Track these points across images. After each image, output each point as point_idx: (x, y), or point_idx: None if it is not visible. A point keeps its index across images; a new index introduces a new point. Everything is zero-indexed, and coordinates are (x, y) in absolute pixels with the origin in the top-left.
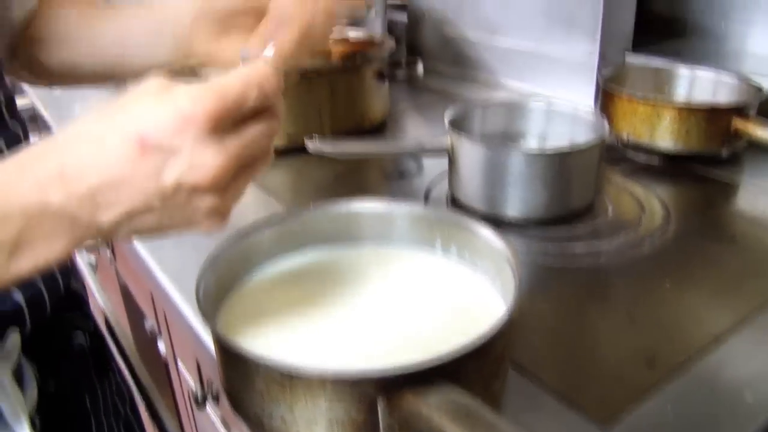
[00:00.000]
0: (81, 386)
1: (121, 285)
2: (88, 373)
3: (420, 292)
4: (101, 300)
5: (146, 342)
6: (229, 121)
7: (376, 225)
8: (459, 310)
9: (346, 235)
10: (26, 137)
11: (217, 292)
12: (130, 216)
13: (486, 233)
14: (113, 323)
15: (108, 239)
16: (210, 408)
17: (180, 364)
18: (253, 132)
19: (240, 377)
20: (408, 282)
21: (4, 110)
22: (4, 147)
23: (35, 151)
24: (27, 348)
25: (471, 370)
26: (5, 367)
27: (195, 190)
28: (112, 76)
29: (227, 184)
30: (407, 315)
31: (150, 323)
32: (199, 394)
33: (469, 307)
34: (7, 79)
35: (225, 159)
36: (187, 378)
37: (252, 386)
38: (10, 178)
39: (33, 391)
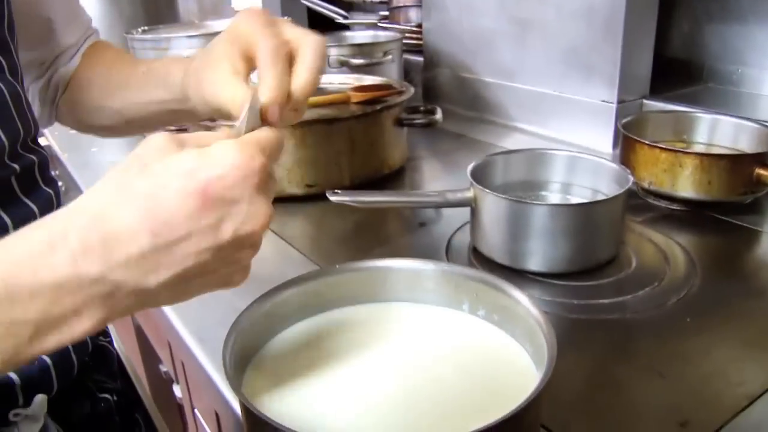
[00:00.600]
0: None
1: (135, 326)
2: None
3: (448, 354)
4: (116, 342)
5: (161, 382)
6: (269, 174)
7: (402, 284)
8: (489, 374)
9: (372, 294)
10: (59, 203)
11: (242, 355)
12: (181, 277)
13: (519, 297)
14: (130, 371)
15: (146, 307)
16: None
17: (197, 413)
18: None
19: None
20: (436, 344)
21: (37, 174)
22: (37, 212)
23: (65, 220)
24: (53, 410)
25: None
26: (32, 429)
27: (246, 242)
28: (145, 126)
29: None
30: (436, 379)
31: (165, 368)
32: None
33: (499, 371)
34: (49, 136)
35: (271, 210)
36: (204, 427)
37: None
38: (39, 249)
39: None
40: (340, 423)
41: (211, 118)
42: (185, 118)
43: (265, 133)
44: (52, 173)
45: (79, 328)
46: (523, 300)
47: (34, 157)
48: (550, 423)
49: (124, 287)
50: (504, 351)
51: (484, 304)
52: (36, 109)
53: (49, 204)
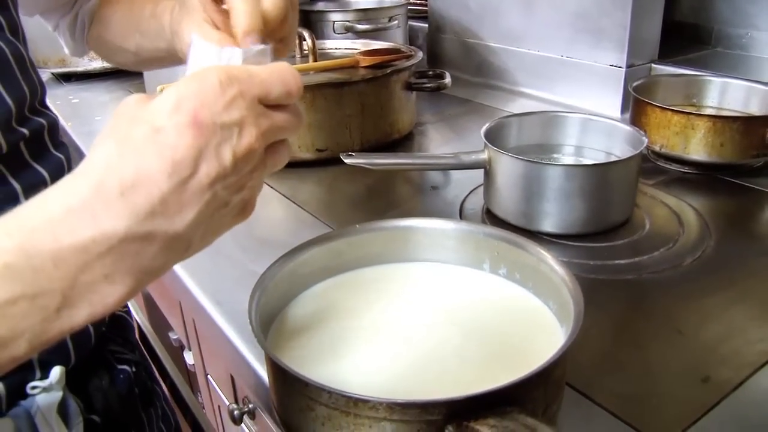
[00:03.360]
0: (127, 418)
1: (144, 295)
2: (134, 404)
3: (471, 312)
4: (135, 313)
5: (171, 351)
6: (256, 99)
7: (423, 243)
8: (513, 332)
9: (393, 254)
10: (69, 163)
11: (265, 315)
12: (204, 213)
13: (543, 254)
14: (147, 335)
15: (179, 259)
16: (244, 425)
17: (210, 378)
18: (278, 117)
19: (300, 404)
20: (459, 302)
21: (46, 137)
22: (48, 178)
23: (76, 182)
24: (71, 382)
25: (536, 395)
26: (50, 402)
27: (248, 159)
28: (161, 65)
29: (262, 159)
30: (459, 337)
31: (176, 335)
32: (236, 411)
33: (523, 328)
34: (51, 107)
35: (263, 121)
36: (219, 392)
37: (313, 413)
38: (57, 213)
39: (78, 425)
40: (366, 380)
41: None
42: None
43: (257, 69)
44: (62, 139)
45: (112, 295)
46: (546, 258)
47: (42, 121)
48: (574, 380)
49: (155, 239)
50: (527, 308)
51: (506, 262)
52: (68, 42)
53: (60, 169)
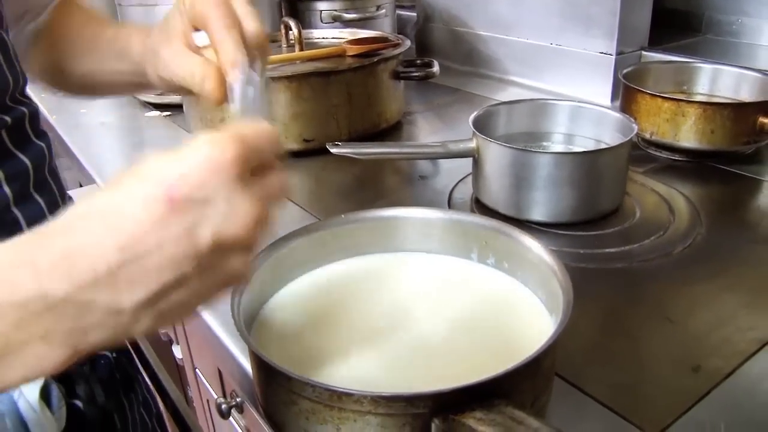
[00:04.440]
0: (109, 404)
1: None
2: (115, 390)
3: (459, 302)
4: None
5: (159, 345)
6: (249, 167)
7: (409, 233)
8: (501, 322)
9: (379, 244)
10: (50, 152)
11: (250, 308)
12: (159, 294)
13: (531, 244)
14: None
15: (123, 335)
16: (233, 418)
17: (199, 372)
18: (270, 181)
19: (283, 398)
20: (446, 292)
21: (27, 126)
22: (30, 165)
23: (32, 239)
24: None
25: (524, 386)
26: (33, 387)
27: (232, 245)
28: (111, 93)
29: (257, 236)
30: (447, 328)
31: (164, 330)
32: (224, 405)
33: (512, 318)
34: (32, 95)
35: (258, 206)
36: (207, 387)
37: (296, 407)
38: (2, 266)
39: (61, 410)
40: (351, 373)
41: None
42: (146, 90)
43: (243, 128)
44: (43, 128)
45: (48, 358)
46: (535, 246)
47: (24, 109)
48: (564, 371)
49: (96, 309)
50: (516, 298)
51: (494, 252)
52: None
53: (41, 157)
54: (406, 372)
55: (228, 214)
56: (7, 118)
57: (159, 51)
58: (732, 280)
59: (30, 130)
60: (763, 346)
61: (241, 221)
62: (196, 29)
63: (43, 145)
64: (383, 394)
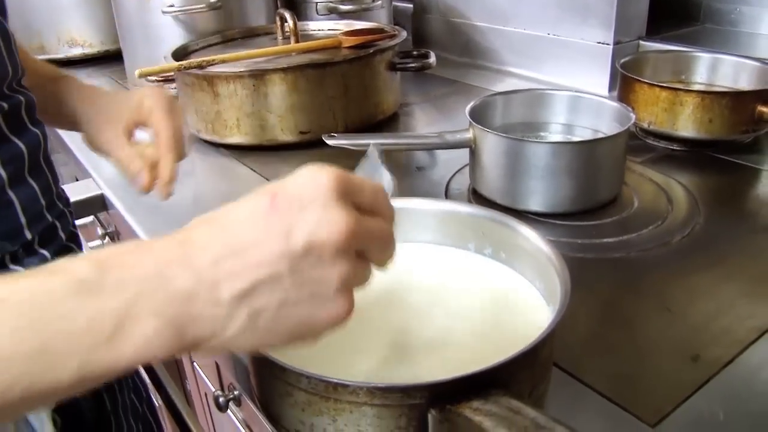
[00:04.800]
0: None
1: None
2: None
3: (457, 292)
4: None
5: None
6: (349, 196)
7: (406, 223)
8: (499, 312)
9: None
10: (45, 140)
11: None
12: (253, 288)
13: (528, 233)
14: None
15: (221, 332)
16: (231, 411)
17: (197, 366)
18: (372, 222)
19: (279, 390)
20: (444, 283)
21: (24, 114)
22: (25, 151)
23: (157, 240)
24: None
25: (521, 376)
26: None
27: (327, 252)
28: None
29: (354, 255)
30: (445, 318)
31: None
32: (221, 398)
33: (509, 308)
34: (32, 74)
35: (353, 221)
36: (205, 380)
37: (292, 399)
38: (130, 249)
39: None
40: (348, 364)
41: None
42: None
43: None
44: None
45: (157, 338)
46: (532, 236)
47: (21, 98)
48: (562, 361)
49: (198, 299)
50: (513, 288)
51: (491, 242)
52: None
53: (37, 143)
54: (402, 363)
55: (321, 221)
56: (5, 105)
57: (101, 125)
58: (731, 270)
59: (26, 117)
60: (762, 334)
61: (333, 229)
62: (139, 124)
63: (38, 132)
64: (379, 385)
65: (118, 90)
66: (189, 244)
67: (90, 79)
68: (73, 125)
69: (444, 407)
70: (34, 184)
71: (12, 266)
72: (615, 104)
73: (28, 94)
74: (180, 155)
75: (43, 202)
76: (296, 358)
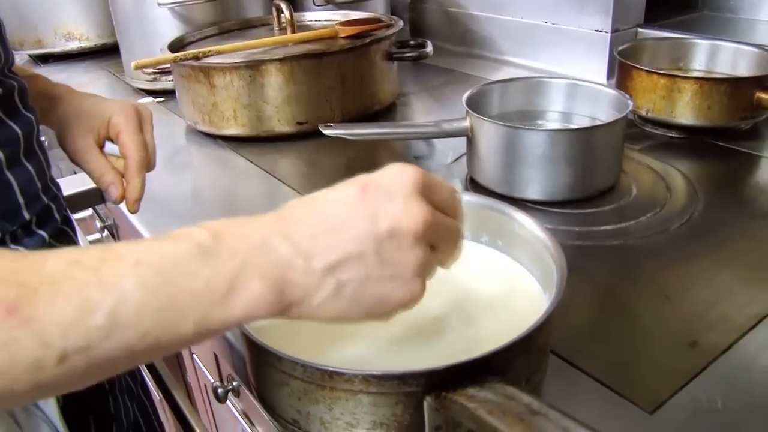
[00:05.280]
0: None
1: None
2: None
3: (454, 280)
4: None
5: None
6: (428, 192)
7: None
8: (495, 299)
9: None
10: (37, 125)
11: None
12: (342, 261)
13: (524, 221)
14: None
15: (311, 299)
16: (230, 402)
17: (196, 357)
18: (447, 220)
19: (275, 379)
20: (440, 270)
21: (17, 99)
22: (19, 132)
23: (267, 215)
24: None
25: (517, 363)
26: None
27: (407, 238)
28: None
29: (431, 242)
30: (442, 305)
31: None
32: (220, 389)
33: (506, 295)
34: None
35: (431, 214)
36: (204, 372)
37: (288, 388)
38: (243, 222)
39: None
40: (344, 354)
41: None
42: None
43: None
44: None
45: (262, 299)
46: (528, 223)
47: (13, 83)
48: (559, 348)
49: (296, 266)
50: (510, 276)
51: (487, 230)
52: None
53: (31, 127)
54: (399, 351)
55: (405, 210)
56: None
57: (73, 134)
58: (729, 256)
59: (19, 102)
60: (761, 320)
61: (415, 218)
62: (107, 139)
63: (31, 117)
64: (374, 372)
65: (92, 94)
66: (289, 220)
67: (88, 73)
68: (47, 125)
69: (440, 394)
70: (30, 167)
71: (12, 246)
72: (612, 92)
73: (20, 80)
74: (148, 169)
75: (38, 184)
76: (292, 348)
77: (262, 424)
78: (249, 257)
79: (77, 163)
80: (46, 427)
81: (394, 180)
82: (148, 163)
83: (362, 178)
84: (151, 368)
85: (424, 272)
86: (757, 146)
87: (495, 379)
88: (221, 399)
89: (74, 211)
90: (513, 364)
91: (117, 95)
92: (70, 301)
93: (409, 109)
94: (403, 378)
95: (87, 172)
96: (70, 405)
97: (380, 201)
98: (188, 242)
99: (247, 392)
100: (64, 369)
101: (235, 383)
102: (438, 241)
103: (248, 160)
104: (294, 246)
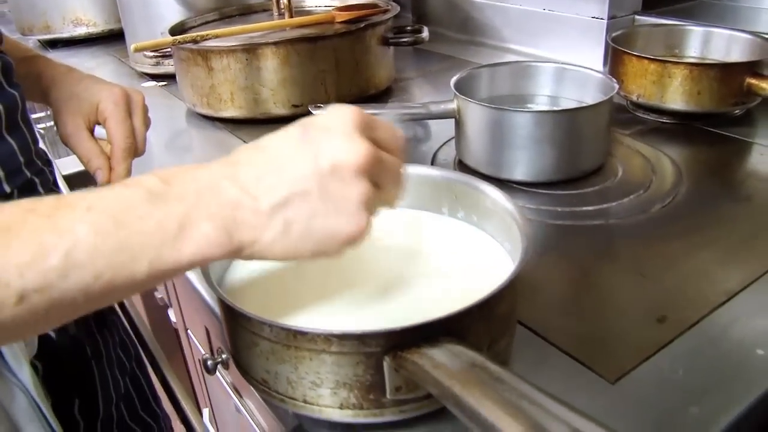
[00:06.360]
0: (80, 334)
1: None
2: (87, 323)
3: (427, 253)
4: None
5: (157, 311)
6: (368, 130)
7: None
8: (466, 271)
9: None
10: (23, 102)
11: (223, 262)
12: (287, 200)
13: (493, 192)
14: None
15: (261, 237)
16: (220, 374)
17: (190, 333)
18: (387, 156)
19: (246, 340)
20: (414, 244)
21: (0, 76)
22: (2, 110)
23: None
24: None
25: (477, 328)
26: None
27: (348, 172)
28: None
29: (373, 179)
30: (415, 275)
31: (160, 294)
32: (209, 362)
33: (477, 268)
34: (6, 51)
35: (372, 149)
36: (198, 346)
37: (258, 348)
38: (191, 168)
39: (33, 338)
40: (318, 318)
41: None
42: None
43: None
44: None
45: (212, 239)
46: (495, 194)
47: None
48: (530, 321)
49: (245, 207)
50: (482, 250)
51: (463, 205)
52: None
53: (14, 103)
54: (371, 318)
55: (345, 146)
56: None
57: (64, 115)
58: (707, 238)
59: (3, 78)
60: (731, 297)
61: (355, 153)
62: (96, 123)
63: (15, 93)
64: (334, 332)
65: (87, 76)
66: (236, 164)
67: (95, 58)
68: (47, 105)
69: (396, 354)
70: (12, 142)
71: None
72: (600, 75)
73: (6, 57)
74: (135, 155)
75: (21, 159)
76: (269, 314)
77: (250, 396)
78: (197, 199)
79: (68, 145)
80: (22, 395)
81: (334, 119)
82: (134, 150)
83: (304, 120)
84: (144, 346)
85: (368, 206)
86: (748, 132)
87: (452, 340)
88: (210, 371)
89: (77, 189)
90: (473, 329)
91: (122, 79)
92: (25, 244)
93: (405, 93)
94: (361, 338)
95: (77, 156)
96: (51, 376)
97: (321, 139)
98: (138, 188)
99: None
100: (23, 309)
101: (224, 356)
102: (380, 177)
103: (245, 141)
104: (241, 188)
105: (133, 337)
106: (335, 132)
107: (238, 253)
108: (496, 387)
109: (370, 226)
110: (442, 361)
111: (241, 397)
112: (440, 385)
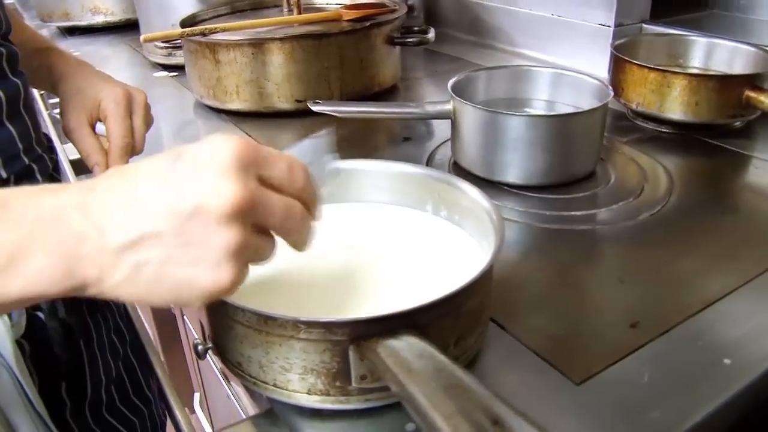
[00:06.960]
0: (70, 319)
1: None
2: (78, 308)
3: (406, 250)
4: None
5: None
6: (254, 168)
7: (366, 185)
8: (445, 269)
9: (337, 194)
10: (26, 90)
11: None
12: (139, 240)
13: (471, 191)
14: None
15: (107, 279)
16: (210, 360)
17: (186, 319)
18: (276, 198)
19: (223, 325)
20: (395, 241)
21: (5, 64)
22: (3, 96)
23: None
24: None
25: (443, 323)
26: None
27: (213, 217)
28: None
29: (249, 228)
30: (392, 273)
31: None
32: (200, 346)
33: (455, 267)
34: (11, 40)
35: (248, 191)
36: (192, 332)
37: (233, 332)
38: (38, 191)
39: (21, 318)
40: (297, 307)
41: None
42: None
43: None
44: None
45: (46, 274)
46: (473, 193)
47: (3, 50)
48: (503, 320)
49: (88, 242)
50: (461, 249)
51: (446, 204)
52: None
53: (16, 92)
54: (347, 311)
55: (213, 187)
56: None
57: (69, 114)
58: (691, 247)
59: (7, 67)
60: (707, 306)
61: (224, 196)
62: (97, 120)
63: (18, 82)
64: (301, 318)
65: (95, 72)
66: (91, 191)
67: (111, 46)
68: (57, 96)
69: (362, 344)
70: (12, 129)
71: None
72: (596, 81)
73: (12, 47)
74: (132, 154)
75: (20, 146)
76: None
77: (236, 380)
78: (35, 228)
79: (70, 139)
80: (5, 371)
81: (210, 153)
82: (131, 149)
83: (179, 149)
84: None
85: (236, 257)
86: (746, 145)
87: (410, 332)
88: (201, 355)
89: (83, 174)
90: (438, 324)
91: (136, 68)
92: None
93: (410, 92)
94: (328, 326)
95: (77, 150)
96: (39, 358)
97: (187, 175)
98: None
99: None
100: None
101: None
102: (266, 221)
103: (249, 134)
104: (89, 219)
105: (133, 322)
106: (207, 168)
107: (83, 289)
108: (442, 384)
109: (240, 278)
110: (396, 353)
111: (229, 382)
112: (392, 376)
